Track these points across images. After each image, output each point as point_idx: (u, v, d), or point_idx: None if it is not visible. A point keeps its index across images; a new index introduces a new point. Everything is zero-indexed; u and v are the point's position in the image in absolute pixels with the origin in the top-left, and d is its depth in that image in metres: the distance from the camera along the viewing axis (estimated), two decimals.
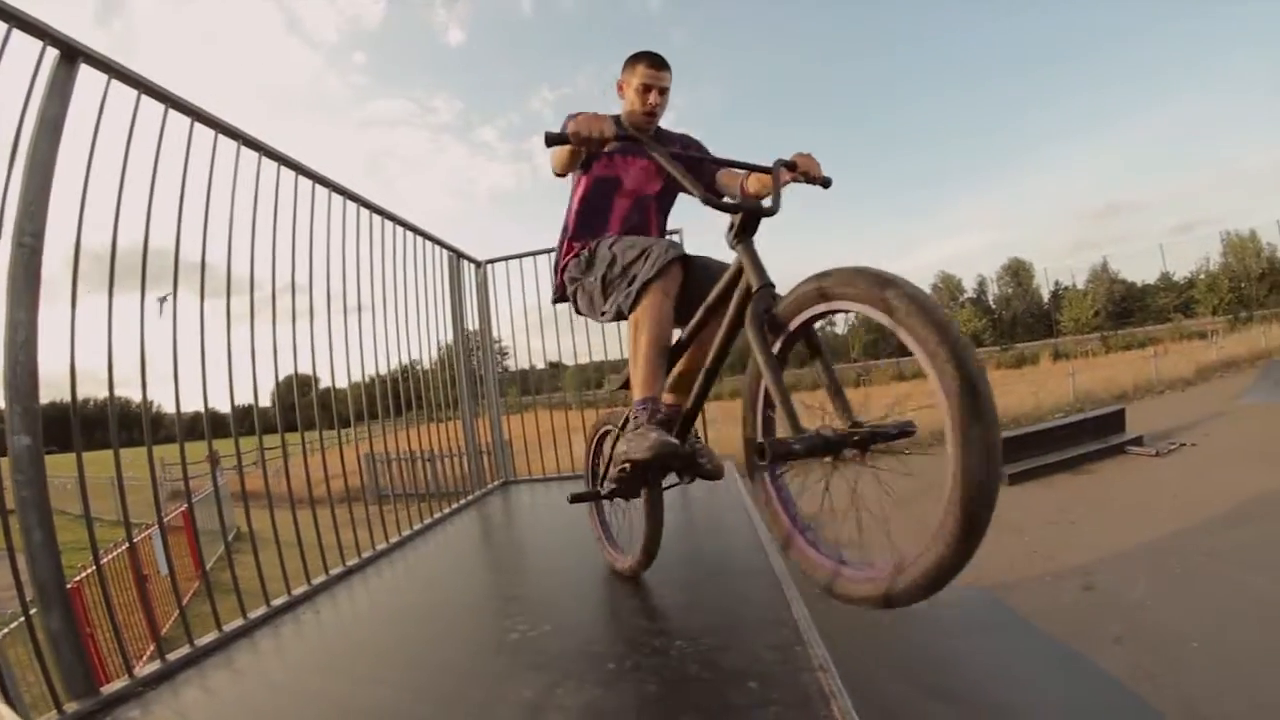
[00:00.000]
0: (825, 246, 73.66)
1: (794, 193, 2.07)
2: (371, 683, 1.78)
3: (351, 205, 3.29)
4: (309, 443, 2.87)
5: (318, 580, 2.65)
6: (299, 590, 2.54)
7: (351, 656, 2.03)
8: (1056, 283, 45.00)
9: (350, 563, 2.87)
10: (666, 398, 2.05)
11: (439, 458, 4.26)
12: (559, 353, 5.14)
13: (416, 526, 3.50)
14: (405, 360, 3.81)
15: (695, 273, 2.00)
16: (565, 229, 2.38)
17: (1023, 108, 75.34)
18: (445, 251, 4.56)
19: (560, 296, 2.45)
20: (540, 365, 5.59)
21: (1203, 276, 39.09)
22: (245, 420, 2.55)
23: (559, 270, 2.40)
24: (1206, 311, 37.36)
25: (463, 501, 4.14)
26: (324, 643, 2.21)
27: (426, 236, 4.20)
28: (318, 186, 3.00)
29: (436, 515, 3.75)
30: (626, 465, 1.90)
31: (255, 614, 2.30)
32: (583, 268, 2.26)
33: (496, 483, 4.78)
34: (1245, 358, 19.80)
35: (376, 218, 3.55)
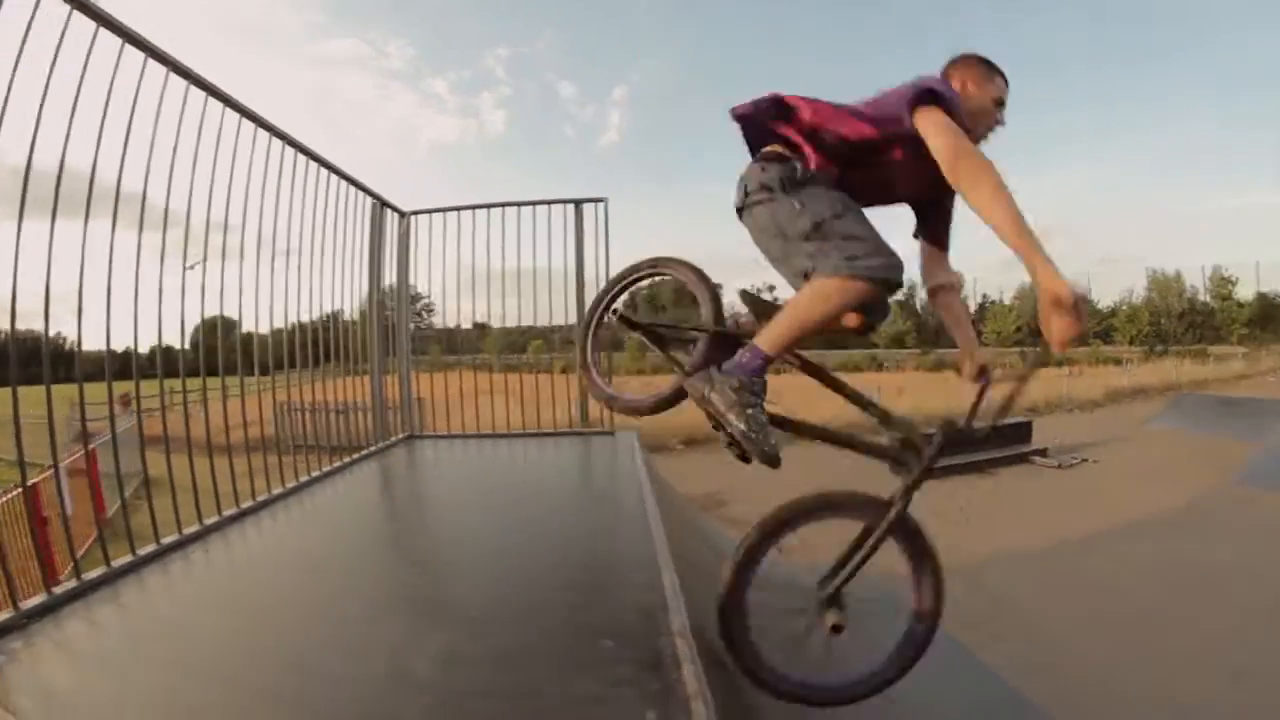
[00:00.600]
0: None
1: None
2: (253, 618, 1.87)
3: (277, 144, 3.19)
4: (211, 390, 2.85)
5: (210, 520, 2.66)
6: (190, 530, 2.54)
7: (238, 594, 2.10)
8: (984, 295, 47.43)
9: (244, 505, 2.88)
10: None
11: (347, 410, 4.24)
12: (476, 313, 5.16)
13: (315, 474, 3.50)
14: (320, 310, 3.76)
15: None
16: (814, 124, 1.86)
17: None
18: (369, 199, 4.43)
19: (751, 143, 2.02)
20: (466, 325, 5.55)
21: (1125, 307, 40.98)
22: (154, 363, 2.53)
23: (757, 128, 1.97)
24: (1124, 340, 39.31)
25: (364, 453, 4.13)
26: (212, 581, 2.26)
27: (351, 181, 4.06)
28: (244, 121, 2.90)
29: (336, 464, 3.75)
30: (729, 437, 1.73)
31: (144, 551, 2.31)
32: (795, 182, 1.83)
33: (401, 436, 4.76)
34: (1155, 387, 20.81)
35: (301, 159, 3.43)
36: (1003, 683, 3.92)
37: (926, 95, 1.70)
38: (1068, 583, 5.57)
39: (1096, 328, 41.40)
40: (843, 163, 1.88)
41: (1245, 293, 39.10)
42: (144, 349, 2.41)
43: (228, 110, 2.79)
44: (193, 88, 2.57)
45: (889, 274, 1.68)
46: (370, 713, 1.33)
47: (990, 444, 11.21)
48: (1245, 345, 34.95)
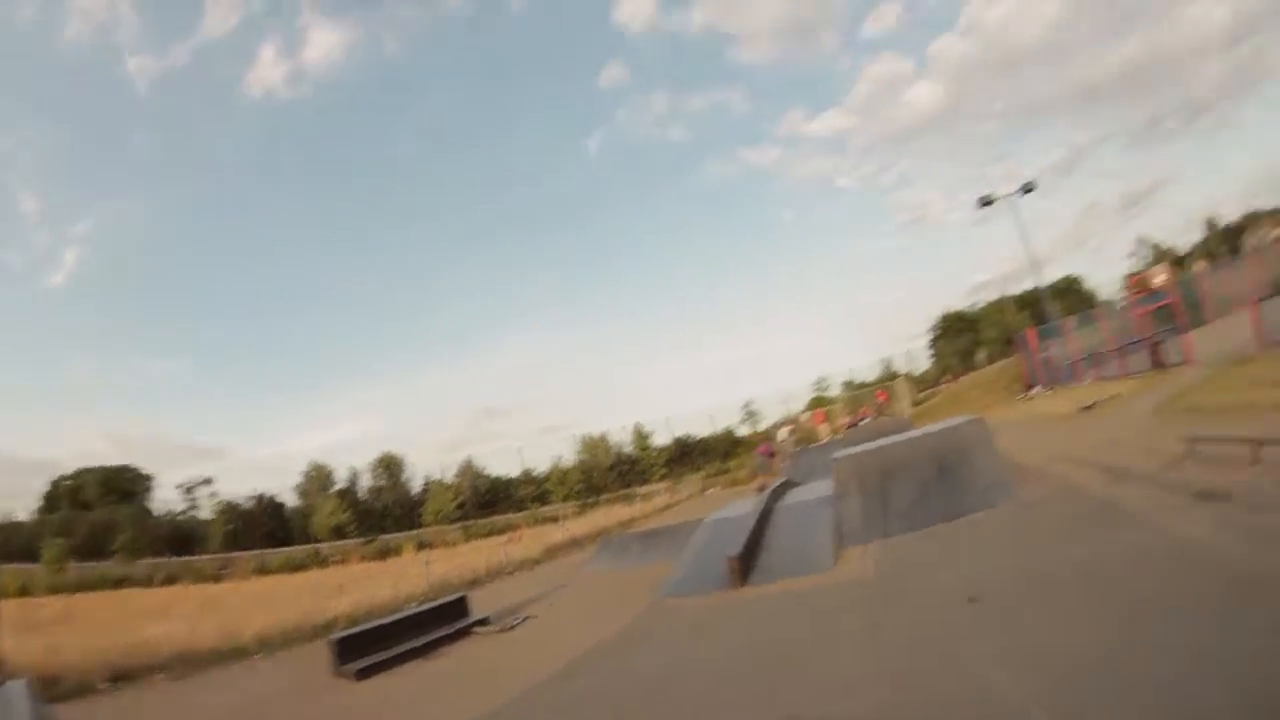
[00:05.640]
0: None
1: None
2: None
3: None
4: None
5: None
6: None
7: None
8: (427, 476, 49.89)
9: None
10: None
11: None
12: None
13: None
14: None
15: None
16: None
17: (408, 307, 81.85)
18: None
19: None
20: None
21: (556, 471, 47.08)
22: None
23: None
24: (559, 499, 44.68)
25: None
26: None
27: None
28: None
29: None
30: None
31: None
32: None
33: None
34: (588, 536, 23.13)
35: None
36: None
37: None
38: None
39: (535, 492, 46.34)
40: None
41: (663, 439, 49.08)
42: None
43: None
44: None
45: None
46: None
47: (428, 627, 10.98)
48: (666, 481, 42.31)
